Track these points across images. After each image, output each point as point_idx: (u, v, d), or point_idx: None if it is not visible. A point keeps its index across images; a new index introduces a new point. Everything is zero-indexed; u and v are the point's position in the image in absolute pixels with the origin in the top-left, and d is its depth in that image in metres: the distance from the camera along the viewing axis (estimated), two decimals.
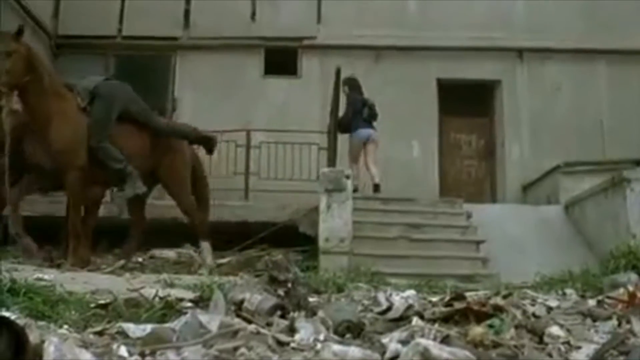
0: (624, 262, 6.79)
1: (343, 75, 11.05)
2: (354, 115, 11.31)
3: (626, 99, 13.85)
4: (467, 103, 14.39)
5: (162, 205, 10.10)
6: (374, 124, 11.47)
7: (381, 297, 4.29)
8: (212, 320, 3.20)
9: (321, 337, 3.16)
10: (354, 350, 2.81)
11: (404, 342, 2.94)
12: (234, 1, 14.20)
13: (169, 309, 3.83)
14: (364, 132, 11.30)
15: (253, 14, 14.24)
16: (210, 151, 9.10)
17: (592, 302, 4.36)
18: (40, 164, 7.29)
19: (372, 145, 11.35)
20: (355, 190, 10.02)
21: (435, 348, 2.73)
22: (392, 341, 3.03)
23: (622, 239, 8.37)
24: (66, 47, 13.85)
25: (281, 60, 14.29)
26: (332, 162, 10.28)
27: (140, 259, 9.20)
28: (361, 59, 13.96)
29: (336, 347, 2.86)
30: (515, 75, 14.32)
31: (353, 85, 11.57)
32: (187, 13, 14.22)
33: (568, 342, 3.28)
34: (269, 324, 3.41)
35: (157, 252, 9.74)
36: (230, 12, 14.13)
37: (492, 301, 3.88)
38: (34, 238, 7.33)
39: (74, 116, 7.50)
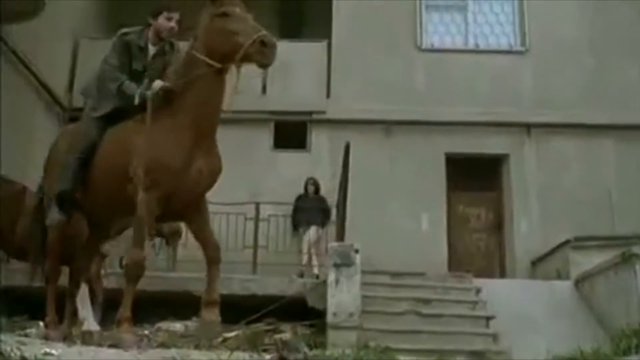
0: (635, 342, 6.71)
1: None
2: None
3: (634, 174, 13.88)
4: (475, 177, 14.46)
5: (173, 277, 10.14)
6: None
7: None
8: None
9: None
10: None
11: None
12: (244, 75, 14.41)
13: None
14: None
15: (264, 88, 14.45)
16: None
17: None
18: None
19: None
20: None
21: None
22: None
23: (633, 316, 8.30)
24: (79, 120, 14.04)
25: (291, 134, 14.45)
26: (340, 236, 10.29)
27: (147, 332, 9.14)
28: (370, 133, 14.11)
29: None
30: (523, 149, 14.40)
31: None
32: None
33: None
34: None
35: (164, 324, 9.69)
36: (241, 85, 14.31)
37: None
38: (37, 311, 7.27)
39: None
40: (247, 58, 4.98)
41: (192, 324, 9.67)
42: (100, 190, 5.62)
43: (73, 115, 13.99)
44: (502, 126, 14.35)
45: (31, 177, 10.11)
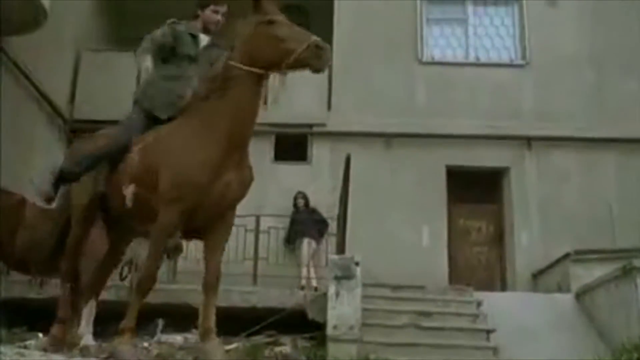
0: (636, 356, 6.69)
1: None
2: None
3: (635, 187, 13.88)
4: (476, 190, 14.47)
5: (173, 289, 10.12)
6: None
7: None
8: None
9: None
10: None
11: None
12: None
13: None
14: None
15: (264, 101, 14.44)
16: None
17: None
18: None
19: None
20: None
21: None
22: None
23: (634, 329, 8.28)
24: (80, 132, 14.03)
25: (291, 146, 14.46)
26: (341, 249, 10.28)
27: (146, 344, 9.12)
28: (371, 145, 14.12)
29: None
30: (523, 162, 14.40)
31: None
32: None
33: None
34: None
35: (163, 336, 9.67)
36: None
37: None
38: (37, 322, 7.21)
39: None
40: (300, 63, 4.84)
41: (192, 336, 9.66)
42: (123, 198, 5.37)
43: (74, 127, 14.06)
44: (503, 139, 14.36)
45: (31, 189, 10.12)
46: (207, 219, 5.24)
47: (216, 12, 5.72)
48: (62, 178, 5.56)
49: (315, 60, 4.79)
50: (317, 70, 4.84)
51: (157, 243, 5.13)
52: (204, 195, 4.99)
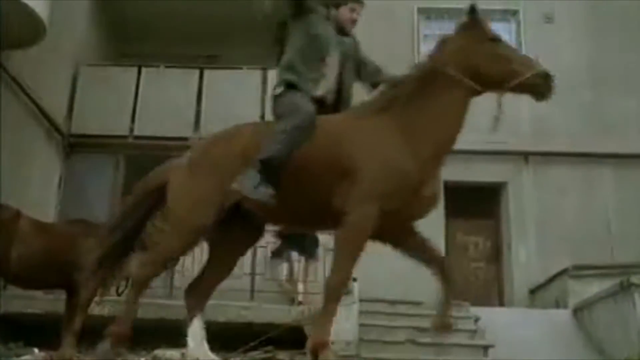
0: None
1: None
2: None
3: (633, 202, 13.89)
4: (473, 205, 14.45)
5: (170, 304, 10.08)
6: None
7: None
8: None
9: None
10: None
11: None
12: (242, 104, 14.44)
13: None
14: None
15: (262, 118, 14.48)
16: None
17: None
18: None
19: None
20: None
21: None
22: None
23: (632, 345, 8.26)
24: (78, 146, 14.05)
25: None
26: None
27: (142, 359, 9.07)
28: None
29: None
30: (521, 178, 14.42)
31: None
32: (197, 114, 14.45)
33: None
34: None
35: (160, 352, 9.60)
36: (238, 114, 14.28)
37: None
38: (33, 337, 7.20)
39: None
40: (526, 88, 4.77)
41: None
42: (290, 192, 4.69)
43: (72, 142, 14.06)
44: (500, 154, 14.37)
45: (29, 203, 10.12)
46: (389, 227, 4.82)
47: (353, 10, 5.45)
48: (271, 168, 4.63)
49: (544, 88, 4.77)
50: (541, 98, 4.80)
51: (353, 245, 4.71)
52: (410, 199, 4.63)
